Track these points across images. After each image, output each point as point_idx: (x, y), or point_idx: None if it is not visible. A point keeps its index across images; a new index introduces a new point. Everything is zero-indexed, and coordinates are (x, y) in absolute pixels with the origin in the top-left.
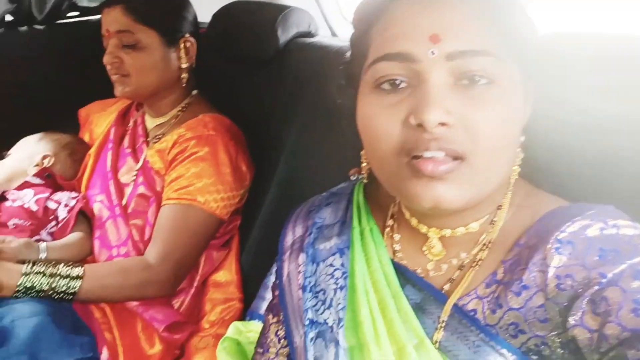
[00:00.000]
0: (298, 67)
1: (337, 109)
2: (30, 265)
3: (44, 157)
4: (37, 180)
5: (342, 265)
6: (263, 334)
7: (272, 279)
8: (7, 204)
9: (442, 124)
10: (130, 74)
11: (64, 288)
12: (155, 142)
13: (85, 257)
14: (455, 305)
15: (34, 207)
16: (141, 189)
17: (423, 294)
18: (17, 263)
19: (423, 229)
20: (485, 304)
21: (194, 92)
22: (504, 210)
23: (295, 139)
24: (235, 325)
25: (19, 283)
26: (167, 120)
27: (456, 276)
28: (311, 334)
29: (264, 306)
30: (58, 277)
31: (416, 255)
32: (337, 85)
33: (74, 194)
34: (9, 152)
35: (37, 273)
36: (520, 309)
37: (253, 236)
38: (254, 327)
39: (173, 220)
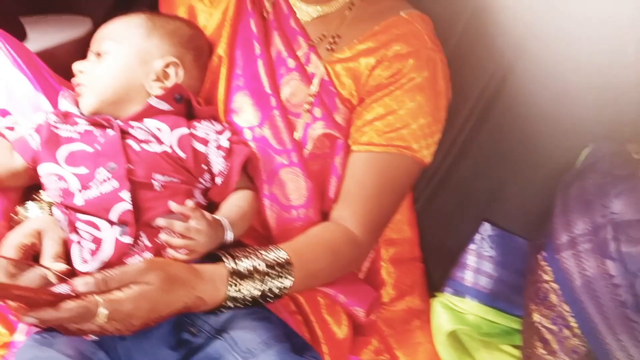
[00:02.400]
0: None
1: None
2: (233, 263)
3: (168, 65)
4: (165, 106)
5: None
6: (549, 351)
7: (478, 245)
8: (133, 145)
9: None
10: None
11: (276, 290)
12: (330, 49)
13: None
14: None
15: (182, 153)
16: (319, 126)
17: None
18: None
19: None
20: None
21: None
22: None
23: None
24: (442, 302)
25: (230, 296)
26: (334, 10)
27: None
28: None
29: (469, 276)
30: (267, 277)
31: None
32: None
33: (217, 126)
34: (99, 49)
35: (244, 277)
36: None
37: (435, 179)
38: (471, 308)
39: (379, 175)
